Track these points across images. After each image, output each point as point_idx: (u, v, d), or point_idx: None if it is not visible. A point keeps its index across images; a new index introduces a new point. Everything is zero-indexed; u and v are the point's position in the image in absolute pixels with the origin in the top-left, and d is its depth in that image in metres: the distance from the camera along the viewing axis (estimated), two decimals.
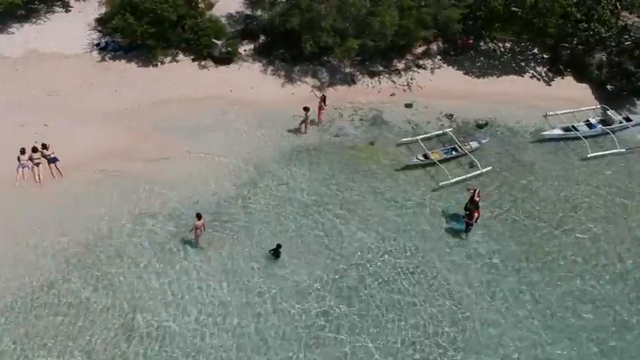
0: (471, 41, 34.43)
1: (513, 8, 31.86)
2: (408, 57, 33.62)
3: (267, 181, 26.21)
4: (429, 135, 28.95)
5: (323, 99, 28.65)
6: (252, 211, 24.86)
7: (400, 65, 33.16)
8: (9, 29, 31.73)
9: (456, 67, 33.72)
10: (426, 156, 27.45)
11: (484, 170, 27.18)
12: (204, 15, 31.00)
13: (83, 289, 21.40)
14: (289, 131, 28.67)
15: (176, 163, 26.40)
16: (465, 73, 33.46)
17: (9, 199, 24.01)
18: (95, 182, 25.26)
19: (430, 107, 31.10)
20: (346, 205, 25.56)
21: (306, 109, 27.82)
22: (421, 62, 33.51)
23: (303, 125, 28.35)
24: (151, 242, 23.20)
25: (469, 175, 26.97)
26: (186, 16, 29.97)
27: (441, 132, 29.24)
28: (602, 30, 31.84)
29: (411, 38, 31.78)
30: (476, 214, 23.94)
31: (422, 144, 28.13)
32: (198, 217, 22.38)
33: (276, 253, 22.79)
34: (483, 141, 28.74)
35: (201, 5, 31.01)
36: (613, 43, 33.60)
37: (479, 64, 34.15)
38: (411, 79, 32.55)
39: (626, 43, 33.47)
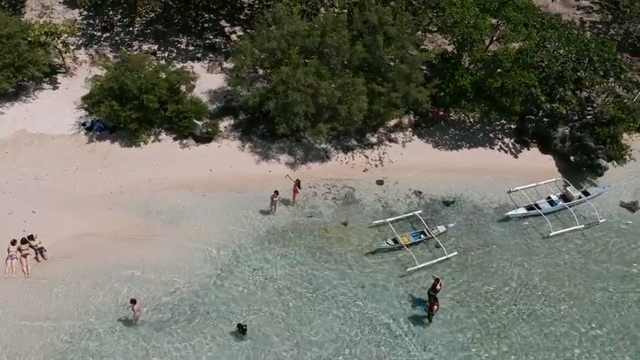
0: (442, 113, 36.14)
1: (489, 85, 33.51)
2: (381, 130, 35.31)
3: (241, 267, 27.83)
4: (398, 217, 30.59)
5: (297, 183, 30.24)
6: (227, 299, 26.46)
7: (373, 139, 34.85)
8: None
9: (426, 140, 35.43)
10: (395, 240, 29.09)
11: (450, 255, 28.87)
12: (186, 97, 32.48)
13: None
14: (265, 213, 30.25)
15: (156, 249, 27.99)
16: (434, 146, 35.18)
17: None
18: (78, 269, 26.78)
19: (400, 183, 32.80)
20: (317, 290, 27.21)
21: (275, 192, 29.48)
22: (393, 135, 35.20)
23: (272, 207, 29.94)
24: (131, 332, 24.76)
25: (435, 261, 28.63)
26: (168, 102, 31.45)
27: (410, 214, 30.85)
28: (563, 110, 33.63)
29: (382, 119, 33.46)
30: (435, 307, 25.64)
31: (392, 227, 29.77)
32: (133, 302, 24.30)
33: (241, 330, 24.65)
34: (450, 225, 30.37)
35: (183, 89, 32.50)
36: (575, 117, 35.40)
37: (449, 135, 35.88)
38: (383, 153, 34.23)
39: (588, 117, 35.29)
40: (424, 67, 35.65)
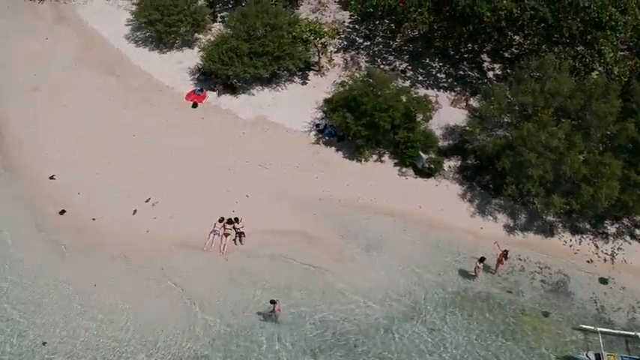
0: None
1: None
2: (625, 221, 30.21)
3: (417, 321, 26.08)
4: (613, 331, 25.85)
5: (504, 254, 27.22)
6: (389, 348, 25.10)
7: (611, 229, 29.93)
8: (251, 90, 35.59)
9: None
10: (598, 356, 24.59)
11: None
12: (420, 126, 31.26)
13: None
14: (460, 270, 27.91)
15: (339, 272, 27.52)
16: None
17: (196, 259, 27.66)
18: (267, 262, 27.76)
19: (628, 290, 27.68)
20: None
21: (481, 259, 26.94)
22: (638, 232, 29.88)
23: (476, 271, 27.43)
24: (289, 342, 24.84)
25: None
26: (400, 126, 30.57)
27: (631, 333, 25.77)
28: None
29: (629, 213, 28.55)
30: None
31: (601, 339, 25.24)
32: (273, 302, 24.89)
33: None
34: None
35: (419, 117, 31.32)
36: None
37: None
38: (619, 249, 29.22)
39: None
40: None
